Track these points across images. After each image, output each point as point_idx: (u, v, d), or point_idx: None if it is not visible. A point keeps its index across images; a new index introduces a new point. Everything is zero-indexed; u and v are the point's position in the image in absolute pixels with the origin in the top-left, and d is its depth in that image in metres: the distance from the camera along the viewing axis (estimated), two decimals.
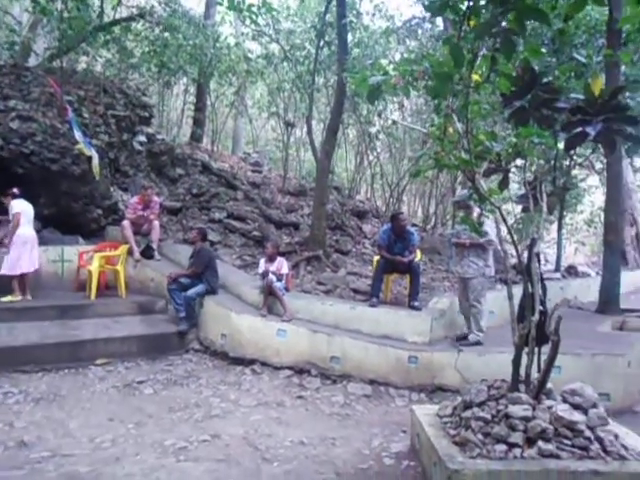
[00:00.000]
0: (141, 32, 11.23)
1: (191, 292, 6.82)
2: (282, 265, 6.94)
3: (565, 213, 16.96)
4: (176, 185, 11.05)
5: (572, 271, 11.78)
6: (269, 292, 6.54)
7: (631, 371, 5.57)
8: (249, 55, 12.59)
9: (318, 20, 10.35)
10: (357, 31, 11.07)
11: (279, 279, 6.73)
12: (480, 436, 3.37)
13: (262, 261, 7.08)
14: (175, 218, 9.93)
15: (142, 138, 10.69)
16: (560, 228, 12.61)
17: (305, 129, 11.95)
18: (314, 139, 10.56)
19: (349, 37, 10.56)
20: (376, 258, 7.14)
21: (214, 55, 11.77)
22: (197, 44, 11.02)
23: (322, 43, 10.13)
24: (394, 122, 11.58)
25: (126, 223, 8.09)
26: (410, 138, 12.97)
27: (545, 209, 3.94)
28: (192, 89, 15.61)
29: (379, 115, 11.49)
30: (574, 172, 16.09)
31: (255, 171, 14.14)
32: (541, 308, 3.74)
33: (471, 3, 2.18)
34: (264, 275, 6.75)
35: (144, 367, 6.12)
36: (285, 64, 11.83)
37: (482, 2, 2.19)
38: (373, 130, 12.52)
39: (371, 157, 13.47)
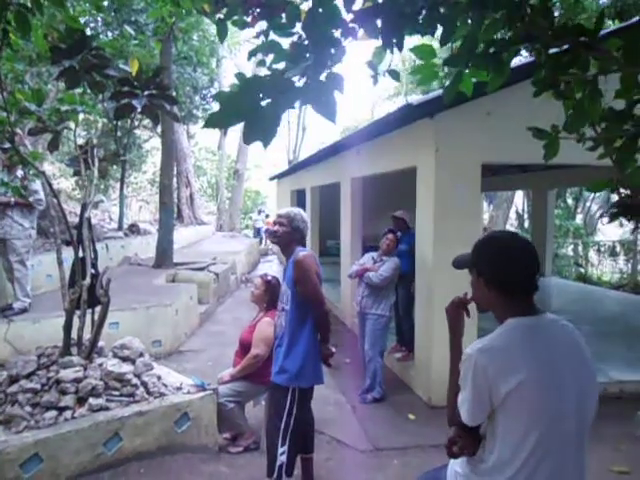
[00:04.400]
0: None
1: None
2: None
3: (130, 172, 17.64)
4: None
5: (134, 229, 12.32)
6: None
7: (178, 318, 6.42)
8: None
9: None
10: None
11: None
12: (29, 408, 3.26)
13: None
14: None
15: None
16: (122, 188, 12.98)
17: None
18: None
19: None
20: None
21: None
22: None
23: None
24: None
25: None
26: None
27: (96, 174, 4.01)
28: None
29: None
30: (138, 132, 16.81)
31: None
32: (93, 271, 3.84)
33: None
34: None
35: None
36: None
37: None
38: None
39: None
